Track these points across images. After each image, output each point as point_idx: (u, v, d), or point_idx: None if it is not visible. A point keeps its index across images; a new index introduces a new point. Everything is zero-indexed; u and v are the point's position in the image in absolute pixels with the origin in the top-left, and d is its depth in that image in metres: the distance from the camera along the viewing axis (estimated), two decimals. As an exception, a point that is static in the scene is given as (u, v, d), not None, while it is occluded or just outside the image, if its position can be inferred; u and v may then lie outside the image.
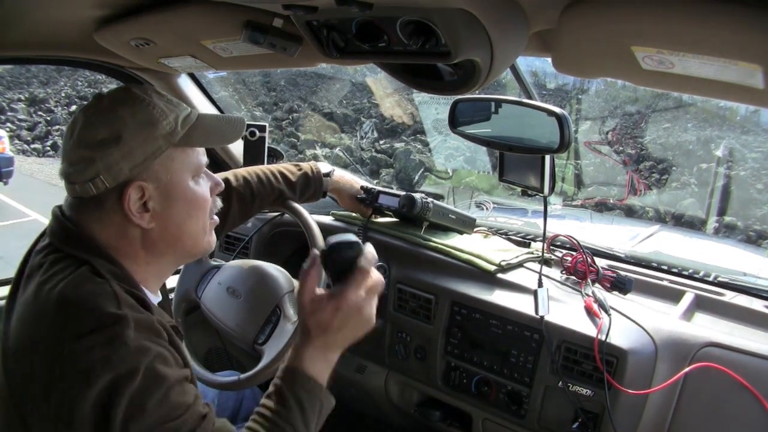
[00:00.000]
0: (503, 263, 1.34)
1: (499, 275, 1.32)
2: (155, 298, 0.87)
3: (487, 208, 1.94)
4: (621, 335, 1.10)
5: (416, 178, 8.31)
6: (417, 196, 1.45)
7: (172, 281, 1.45)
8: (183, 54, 1.33)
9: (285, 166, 1.41)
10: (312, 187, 1.41)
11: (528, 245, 1.54)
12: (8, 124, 12.52)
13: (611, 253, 1.51)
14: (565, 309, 1.20)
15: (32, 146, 12.54)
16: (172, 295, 1.43)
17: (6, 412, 0.75)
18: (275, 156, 1.79)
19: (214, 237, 0.93)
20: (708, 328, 1.14)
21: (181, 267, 1.43)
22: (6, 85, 14.34)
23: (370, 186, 1.53)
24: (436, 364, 1.34)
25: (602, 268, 1.30)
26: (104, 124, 0.78)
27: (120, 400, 0.67)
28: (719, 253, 1.97)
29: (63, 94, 14.07)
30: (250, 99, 11.24)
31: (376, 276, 0.85)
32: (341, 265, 0.83)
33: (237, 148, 1.86)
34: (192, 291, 1.40)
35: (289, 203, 1.36)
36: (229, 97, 10.19)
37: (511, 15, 0.85)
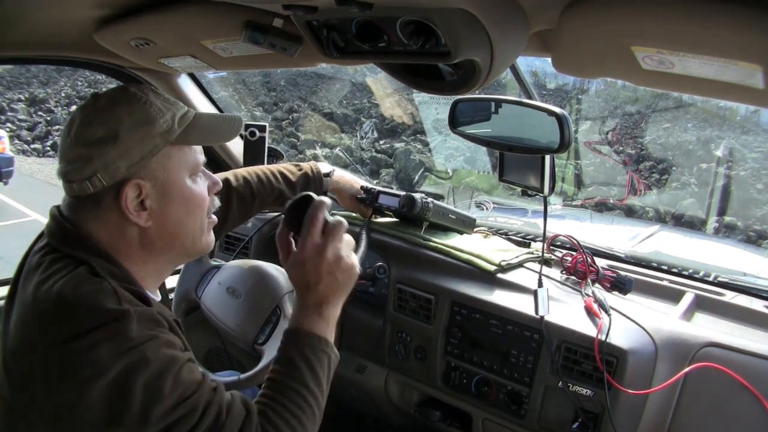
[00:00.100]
0: (503, 263, 1.34)
1: (499, 275, 1.32)
2: (154, 298, 0.87)
3: (487, 208, 1.94)
4: (621, 335, 1.10)
5: (416, 178, 8.30)
6: (417, 196, 1.45)
7: (172, 281, 1.45)
8: (183, 54, 1.33)
9: (285, 166, 1.41)
10: (312, 187, 1.41)
11: (528, 245, 1.54)
12: (8, 124, 12.52)
13: (611, 253, 1.51)
14: (565, 309, 1.20)
15: (32, 146, 12.54)
16: (172, 295, 1.43)
17: (6, 412, 0.75)
18: (275, 156, 1.79)
19: (212, 236, 0.93)
20: (708, 328, 1.14)
21: (181, 267, 1.43)
22: (6, 85, 14.33)
23: (370, 186, 1.53)
24: (436, 364, 1.34)
25: (602, 268, 1.30)
26: (101, 123, 0.79)
27: (134, 389, 0.68)
28: (719, 253, 1.97)
29: (63, 94, 14.06)
30: (250, 99, 11.23)
31: (333, 220, 0.88)
32: (297, 220, 0.88)
33: (237, 148, 1.86)
34: (192, 291, 1.40)
35: None
36: (229, 97, 10.19)
37: (511, 15, 0.85)
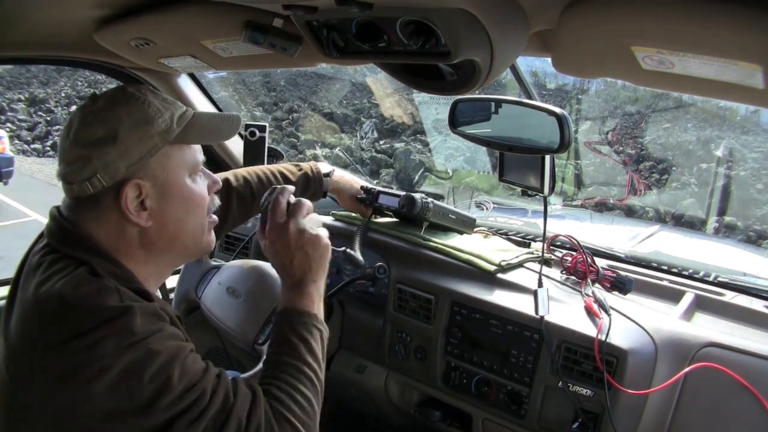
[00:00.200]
0: (503, 263, 1.34)
1: (499, 275, 1.32)
2: (156, 295, 0.87)
3: (487, 208, 1.94)
4: (621, 335, 1.10)
5: (416, 178, 8.31)
6: (417, 196, 1.45)
7: (172, 281, 1.45)
8: (183, 54, 1.33)
9: (285, 166, 1.41)
10: (312, 188, 1.41)
11: (528, 245, 1.54)
12: (8, 124, 12.52)
13: (611, 253, 1.51)
14: (565, 309, 1.20)
15: (32, 146, 12.54)
16: (172, 295, 1.43)
17: (7, 412, 0.75)
18: (275, 156, 1.79)
19: (212, 236, 0.93)
20: (708, 328, 1.14)
21: (181, 267, 1.43)
22: (6, 85, 14.33)
23: (370, 186, 1.53)
24: (436, 364, 1.34)
25: (602, 268, 1.30)
26: (100, 123, 0.79)
27: (141, 381, 0.69)
28: (719, 253, 1.97)
29: (63, 95, 14.06)
30: (250, 99, 11.24)
31: (294, 200, 0.96)
32: (265, 208, 0.96)
33: (237, 148, 1.86)
34: (192, 291, 1.39)
35: None
36: (229, 97, 10.20)
37: (511, 15, 0.85)
